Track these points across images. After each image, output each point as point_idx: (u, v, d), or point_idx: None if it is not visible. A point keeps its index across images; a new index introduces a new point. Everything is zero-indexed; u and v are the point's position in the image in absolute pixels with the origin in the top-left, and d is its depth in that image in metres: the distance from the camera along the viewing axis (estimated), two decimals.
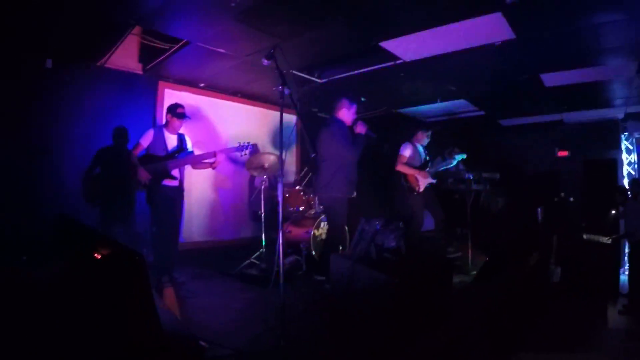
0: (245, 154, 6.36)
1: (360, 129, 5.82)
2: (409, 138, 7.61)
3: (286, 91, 3.77)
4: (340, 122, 5.83)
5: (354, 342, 3.73)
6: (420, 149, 7.59)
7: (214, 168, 6.31)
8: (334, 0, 4.86)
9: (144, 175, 5.75)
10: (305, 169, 8.23)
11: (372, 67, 7.06)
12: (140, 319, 1.90)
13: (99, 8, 5.05)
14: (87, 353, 2.13)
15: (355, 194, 5.94)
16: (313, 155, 3.56)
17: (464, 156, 7.30)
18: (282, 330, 3.50)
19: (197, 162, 6.18)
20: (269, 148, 9.41)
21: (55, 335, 2.34)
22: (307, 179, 8.18)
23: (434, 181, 7.39)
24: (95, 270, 2.22)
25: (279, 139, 3.73)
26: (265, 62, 3.93)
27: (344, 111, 5.88)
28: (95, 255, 2.12)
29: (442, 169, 7.45)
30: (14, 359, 2.19)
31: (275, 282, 5.96)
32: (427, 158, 7.56)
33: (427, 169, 7.32)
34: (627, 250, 9.76)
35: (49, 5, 4.92)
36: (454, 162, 7.33)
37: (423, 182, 7.23)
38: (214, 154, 6.08)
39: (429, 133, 7.73)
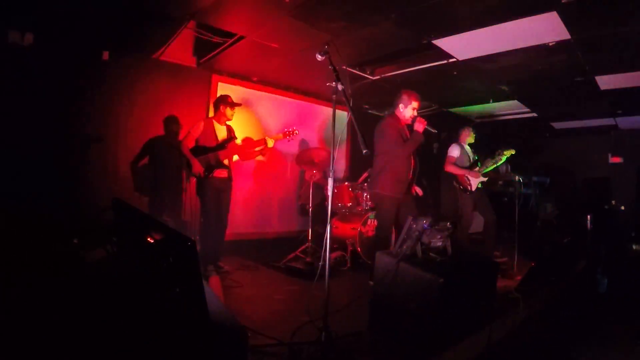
0: (290, 139, 6.51)
1: (418, 126, 5.50)
2: (456, 139, 7.52)
3: (339, 87, 3.77)
4: (394, 118, 5.62)
5: (394, 340, 3.74)
6: (468, 148, 7.50)
7: (263, 155, 6.42)
8: None
9: (198, 167, 5.85)
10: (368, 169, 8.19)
11: (425, 65, 7.03)
12: (188, 303, 1.95)
13: (156, 3, 5.18)
14: (136, 333, 2.21)
15: (405, 195, 5.76)
16: (365, 151, 3.51)
17: (513, 152, 7.16)
18: (324, 323, 3.52)
19: (247, 149, 6.25)
20: (319, 143, 9.50)
21: (108, 315, 2.43)
22: (361, 176, 8.16)
23: (484, 179, 7.28)
24: (148, 253, 2.29)
25: (330, 135, 3.74)
26: (319, 57, 3.93)
27: (401, 107, 5.62)
28: (148, 239, 2.18)
29: (491, 168, 7.33)
30: (64, 337, 2.29)
31: (319, 276, 6.01)
32: (476, 157, 7.46)
33: (477, 169, 7.23)
34: None
35: None
36: (503, 159, 7.19)
37: (474, 181, 7.15)
38: (264, 140, 6.17)
39: (473, 131, 7.61)
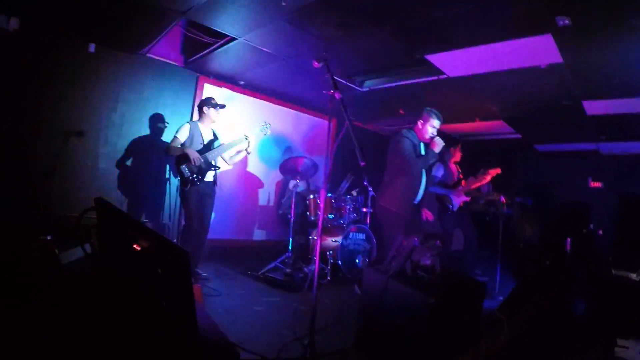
0: (266, 133, 6.63)
1: (435, 146, 5.42)
2: (441, 158, 7.47)
3: (337, 95, 3.68)
4: (411, 133, 5.53)
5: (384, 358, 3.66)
6: (453, 167, 7.47)
7: (248, 153, 6.36)
8: (385, 9, 4.78)
9: (193, 154, 5.77)
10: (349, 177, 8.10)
11: (415, 80, 6.98)
12: (177, 318, 1.83)
13: None
14: (120, 349, 2.08)
15: (414, 214, 5.60)
16: (362, 163, 3.41)
17: (499, 171, 7.13)
18: (310, 340, 3.42)
19: (232, 148, 6.23)
20: (303, 152, 9.37)
21: (86, 327, 2.29)
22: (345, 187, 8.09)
23: (467, 199, 7.25)
24: (133, 261, 2.16)
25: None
26: (315, 64, 3.85)
27: (420, 123, 5.56)
28: (135, 246, 2.05)
29: (475, 186, 7.30)
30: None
31: (298, 288, 5.92)
32: (460, 176, 7.43)
33: (460, 188, 7.19)
34: None
35: None
36: (488, 179, 7.16)
37: (457, 200, 7.11)
38: (245, 137, 6.21)
39: (460, 149, 7.57)
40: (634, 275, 8.03)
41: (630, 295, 8.02)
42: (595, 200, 11.09)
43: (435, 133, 5.51)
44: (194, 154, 5.75)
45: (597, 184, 11.27)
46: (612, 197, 10.85)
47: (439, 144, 5.40)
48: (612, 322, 7.65)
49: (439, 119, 5.53)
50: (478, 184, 7.20)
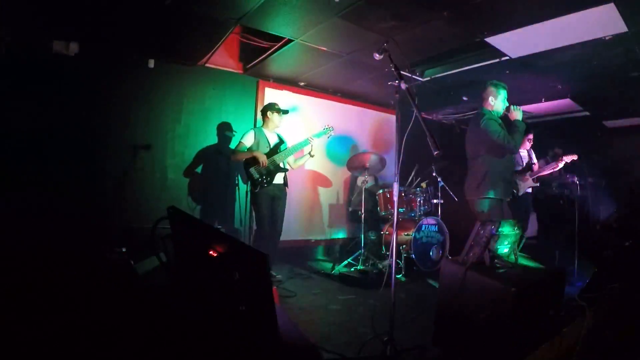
0: (330, 136, 6.69)
1: (517, 114, 5.28)
2: None
3: (402, 86, 3.62)
4: (489, 113, 5.29)
5: (462, 352, 3.58)
6: (523, 152, 7.26)
7: (312, 156, 6.38)
8: None
9: (261, 156, 5.85)
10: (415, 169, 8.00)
11: (476, 65, 6.85)
12: (258, 322, 1.82)
13: (201, 9, 5.11)
14: (203, 355, 2.09)
15: (511, 196, 5.54)
16: (436, 152, 3.31)
17: (575, 158, 6.88)
18: (389, 336, 3.38)
19: (297, 151, 6.29)
20: (370, 147, 9.33)
21: (167, 334, 2.32)
22: (412, 179, 8.01)
23: (536, 185, 7.04)
24: (210, 267, 2.16)
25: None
26: (376, 56, 3.81)
27: (491, 99, 5.36)
28: (211, 252, 2.06)
29: (547, 172, 7.06)
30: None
31: (373, 284, 5.88)
32: (532, 162, 7.20)
33: (529, 173, 6.98)
34: None
35: (153, 7, 5.04)
36: (561, 165, 6.91)
37: (523, 186, 6.91)
38: (309, 139, 6.26)
39: (530, 136, 7.35)
40: None
41: None
42: None
43: (507, 103, 5.37)
44: (261, 156, 5.82)
45: None
46: None
47: (516, 113, 5.27)
48: None
49: (505, 88, 5.40)
50: (550, 170, 6.97)
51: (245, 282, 1.83)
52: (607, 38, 5.56)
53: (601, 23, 5.20)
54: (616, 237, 7.33)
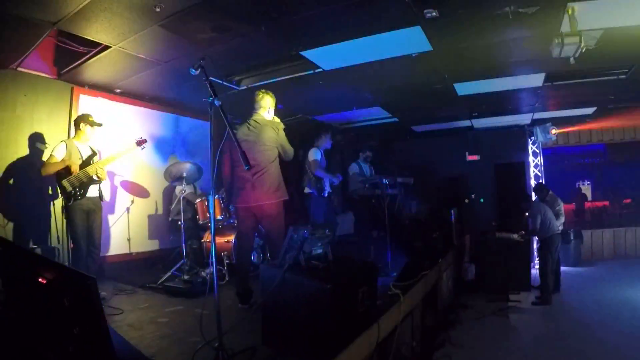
0: (143, 148, 6.62)
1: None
2: (316, 144, 7.70)
3: (216, 102, 3.72)
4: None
5: (289, 350, 3.77)
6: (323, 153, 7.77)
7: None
8: (259, 10, 4.91)
9: (72, 164, 5.63)
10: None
11: (292, 75, 7.15)
12: (92, 344, 1.86)
13: (14, 9, 4.81)
14: None
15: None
16: (247, 167, 3.55)
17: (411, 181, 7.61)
18: (219, 342, 3.47)
19: (111, 162, 6.18)
20: (187, 156, 9.19)
21: None
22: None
23: (335, 182, 7.67)
24: (40, 295, 2.14)
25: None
26: (193, 71, 3.89)
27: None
28: (40, 280, 2.05)
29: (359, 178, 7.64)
30: None
31: (198, 293, 5.91)
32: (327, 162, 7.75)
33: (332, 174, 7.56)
34: (535, 247, 10.49)
35: None
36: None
37: (328, 186, 7.48)
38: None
39: (330, 135, 7.86)
40: (515, 236, 8.81)
41: (514, 253, 8.81)
42: (474, 172, 12.11)
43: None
44: (73, 164, 5.61)
45: (474, 157, 12.05)
46: (488, 167, 11.81)
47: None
48: (502, 280, 8.36)
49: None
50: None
51: (76, 306, 1.85)
52: (414, 55, 6.23)
53: (409, 42, 5.82)
54: (425, 230, 8.08)
